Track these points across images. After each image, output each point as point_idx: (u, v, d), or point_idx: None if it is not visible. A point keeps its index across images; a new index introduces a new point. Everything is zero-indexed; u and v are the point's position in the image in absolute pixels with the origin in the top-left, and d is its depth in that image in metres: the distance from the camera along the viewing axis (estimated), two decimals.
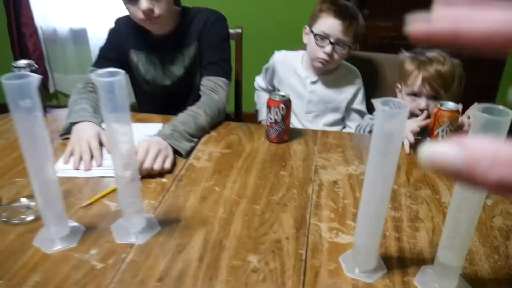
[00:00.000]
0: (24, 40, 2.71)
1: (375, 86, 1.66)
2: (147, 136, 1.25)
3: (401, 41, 2.55)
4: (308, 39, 1.50)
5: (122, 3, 1.30)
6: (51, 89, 2.94)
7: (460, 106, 1.13)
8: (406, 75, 1.34)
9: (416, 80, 1.32)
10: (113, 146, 0.79)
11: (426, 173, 1.10)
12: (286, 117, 1.19)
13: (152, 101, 1.51)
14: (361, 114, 1.60)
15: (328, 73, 1.56)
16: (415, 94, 1.34)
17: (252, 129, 1.32)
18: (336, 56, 1.45)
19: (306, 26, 1.51)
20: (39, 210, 0.82)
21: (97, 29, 2.71)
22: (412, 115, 1.32)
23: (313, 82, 1.56)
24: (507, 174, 0.19)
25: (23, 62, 1.31)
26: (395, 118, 0.63)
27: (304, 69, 1.58)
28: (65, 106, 1.62)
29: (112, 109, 0.73)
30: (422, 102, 1.32)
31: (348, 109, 1.59)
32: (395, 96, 1.50)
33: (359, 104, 1.59)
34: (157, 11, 1.26)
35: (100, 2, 2.65)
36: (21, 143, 0.75)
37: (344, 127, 1.61)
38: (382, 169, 0.68)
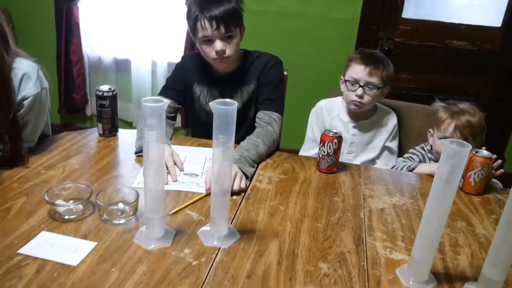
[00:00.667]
0: (70, 65, 2.92)
1: (405, 132, 1.84)
2: (210, 159, 1.42)
3: (419, 92, 2.78)
4: (342, 87, 1.72)
5: (197, 43, 1.49)
6: (89, 113, 3.13)
7: (494, 156, 1.30)
8: (440, 122, 1.52)
9: (449, 127, 1.49)
10: (213, 166, 0.96)
11: (460, 208, 1.25)
12: (337, 151, 1.36)
13: (208, 129, 1.67)
14: (391, 151, 1.77)
15: (367, 117, 1.74)
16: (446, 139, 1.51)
17: (302, 160, 1.49)
18: (367, 98, 1.63)
19: (341, 77, 1.73)
20: (145, 213, 0.98)
21: (140, 60, 2.93)
22: None
23: (354, 127, 1.74)
24: None
25: (105, 87, 1.48)
26: (459, 155, 0.80)
27: (346, 114, 1.76)
28: None
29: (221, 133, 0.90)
30: None
31: (382, 147, 1.76)
32: (426, 141, 1.67)
33: (391, 142, 1.76)
34: (228, 52, 1.45)
35: (144, 35, 2.88)
36: (144, 155, 0.92)
37: (374, 164, 1.77)
38: (444, 196, 0.84)
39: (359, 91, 1.62)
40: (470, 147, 0.80)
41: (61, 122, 3.17)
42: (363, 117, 1.74)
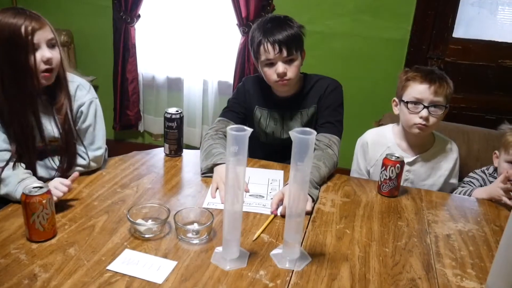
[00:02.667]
0: (125, 84, 3.05)
1: (461, 155, 1.80)
2: (273, 181, 1.47)
3: (470, 112, 2.73)
4: (399, 109, 1.60)
5: (259, 66, 1.55)
6: (141, 129, 3.25)
7: None
8: (509, 146, 1.50)
9: None
10: (289, 190, 1.00)
11: None
12: (399, 175, 1.38)
13: (265, 150, 1.73)
14: (452, 186, 1.65)
15: (424, 149, 1.62)
16: None
17: (362, 182, 1.51)
18: (432, 119, 1.50)
19: (395, 98, 1.62)
20: (224, 235, 1.03)
21: (191, 79, 3.03)
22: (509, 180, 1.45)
23: (410, 164, 1.60)
24: None
25: (173, 109, 1.56)
26: None
27: (399, 147, 1.63)
28: (150, 143, 1.75)
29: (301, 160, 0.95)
30: None
31: (442, 184, 1.63)
32: (485, 164, 1.66)
33: (454, 178, 1.65)
34: (289, 74, 1.50)
35: (195, 55, 2.98)
36: (226, 177, 0.97)
37: None
38: None
39: (424, 112, 1.49)
40: None
41: (114, 138, 3.31)
42: (418, 150, 1.62)
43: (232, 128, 0.93)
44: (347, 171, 1.73)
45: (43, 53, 1.25)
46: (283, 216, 1.23)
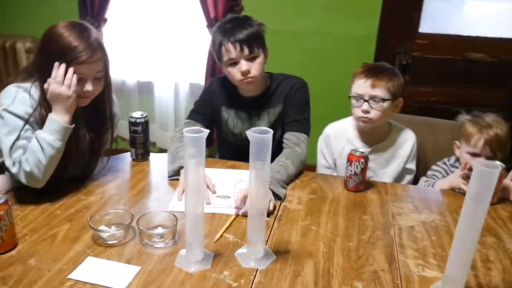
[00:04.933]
0: None
1: (428, 148, 1.85)
2: (240, 181, 1.47)
3: (439, 105, 2.80)
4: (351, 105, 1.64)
5: (223, 67, 1.55)
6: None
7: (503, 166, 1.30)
8: (469, 137, 1.52)
9: (479, 142, 1.50)
10: (250, 190, 1.01)
11: (489, 223, 1.27)
12: (364, 170, 1.40)
13: (235, 150, 1.72)
14: (410, 172, 1.72)
15: (381, 139, 1.68)
16: (475, 154, 1.52)
17: (329, 179, 1.52)
18: (374, 112, 1.55)
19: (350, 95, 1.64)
20: (186, 237, 1.02)
21: (162, 82, 3.01)
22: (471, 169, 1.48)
23: (370, 152, 1.58)
24: None
25: (138, 113, 1.55)
26: (489, 175, 0.83)
27: (358, 138, 1.69)
28: (122, 148, 1.73)
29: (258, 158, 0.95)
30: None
31: (401, 170, 1.70)
32: (450, 155, 1.69)
33: (411, 163, 1.71)
34: (252, 72, 1.50)
35: (166, 58, 2.96)
36: (184, 181, 0.97)
37: None
38: (474, 215, 0.87)
39: (365, 106, 1.55)
40: (500, 168, 0.83)
41: None
42: (377, 139, 1.68)
43: (188, 131, 0.93)
44: (315, 168, 1.74)
45: (86, 86, 1.26)
46: (246, 215, 1.23)
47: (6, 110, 1.22)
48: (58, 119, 1.23)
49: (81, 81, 1.25)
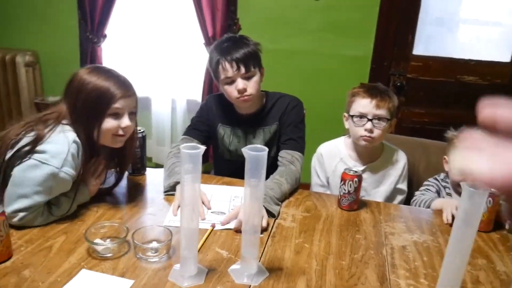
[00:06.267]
0: None
1: (421, 168, 1.88)
2: (235, 197, 1.48)
3: (432, 126, 2.83)
4: (348, 123, 1.67)
5: (220, 85, 1.58)
6: None
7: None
8: None
9: None
10: (244, 206, 1.02)
11: (480, 245, 1.29)
12: (357, 189, 1.42)
13: (230, 167, 1.74)
14: (401, 193, 1.74)
15: (374, 158, 1.70)
16: None
17: (323, 197, 1.54)
18: (377, 131, 1.58)
19: (345, 114, 1.68)
20: (180, 251, 1.03)
21: (160, 98, 3.04)
22: None
23: (362, 171, 1.61)
24: None
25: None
26: (479, 196, 0.85)
27: (350, 157, 1.71)
28: None
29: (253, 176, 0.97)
30: None
31: (392, 190, 1.72)
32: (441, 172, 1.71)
33: (402, 183, 1.73)
34: (249, 90, 1.53)
35: (163, 74, 3.00)
36: (181, 196, 0.99)
37: None
38: (464, 235, 0.89)
39: (368, 125, 1.57)
40: (488, 190, 0.85)
41: None
42: (370, 159, 1.70)
43: (185, 147, 0.95)
44: (309, 186, 1.76)
45: (123, 121, 1.28)
46: (239, 231, 1.24)
47: (61, 171, 1.19)
48: (87, 194, 1.33)
49: (117, 118, 1.27)
